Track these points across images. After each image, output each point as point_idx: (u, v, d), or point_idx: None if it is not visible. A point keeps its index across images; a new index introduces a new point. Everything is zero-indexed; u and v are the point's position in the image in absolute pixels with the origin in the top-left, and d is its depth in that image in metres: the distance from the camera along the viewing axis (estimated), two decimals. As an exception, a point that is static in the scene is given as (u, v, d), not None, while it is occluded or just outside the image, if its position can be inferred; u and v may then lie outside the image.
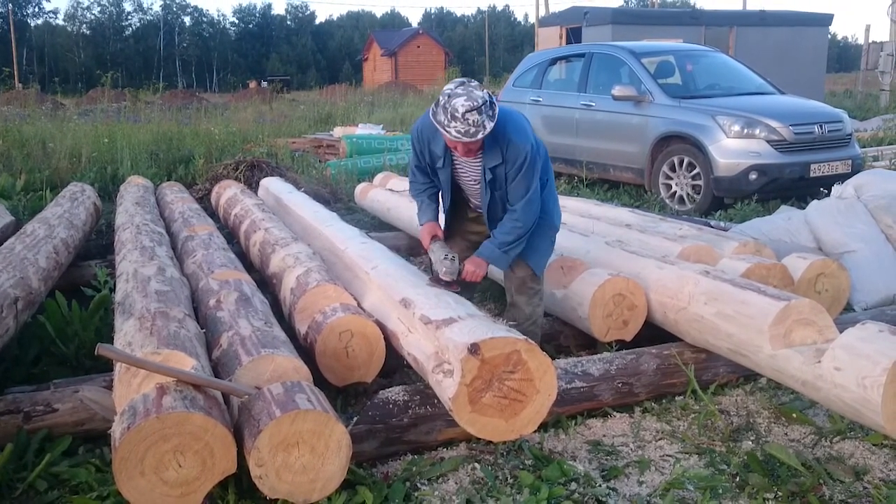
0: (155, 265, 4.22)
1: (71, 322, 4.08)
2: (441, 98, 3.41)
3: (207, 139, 12.30)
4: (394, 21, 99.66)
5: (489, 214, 3.78)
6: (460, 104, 3.31)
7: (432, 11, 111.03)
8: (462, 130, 3.34)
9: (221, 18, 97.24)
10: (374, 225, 7.56)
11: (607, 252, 4.57)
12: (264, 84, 50.21)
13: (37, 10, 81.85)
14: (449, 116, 3.34)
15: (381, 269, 4.04)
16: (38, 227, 5.16)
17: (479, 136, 3.37)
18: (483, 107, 3.32)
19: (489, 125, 3.37)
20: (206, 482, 2.49)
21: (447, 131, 3.38)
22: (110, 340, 4.06)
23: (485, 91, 3.41)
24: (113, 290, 4.42)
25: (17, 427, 3.12)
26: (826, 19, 20.40)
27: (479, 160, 3.66)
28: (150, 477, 2.42)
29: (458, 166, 3.79)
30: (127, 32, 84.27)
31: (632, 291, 4.00)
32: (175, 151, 11.60)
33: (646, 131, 8.66)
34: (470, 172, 3.77)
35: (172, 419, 2.42)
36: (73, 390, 3.29)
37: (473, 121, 3.32)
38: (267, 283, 4.79)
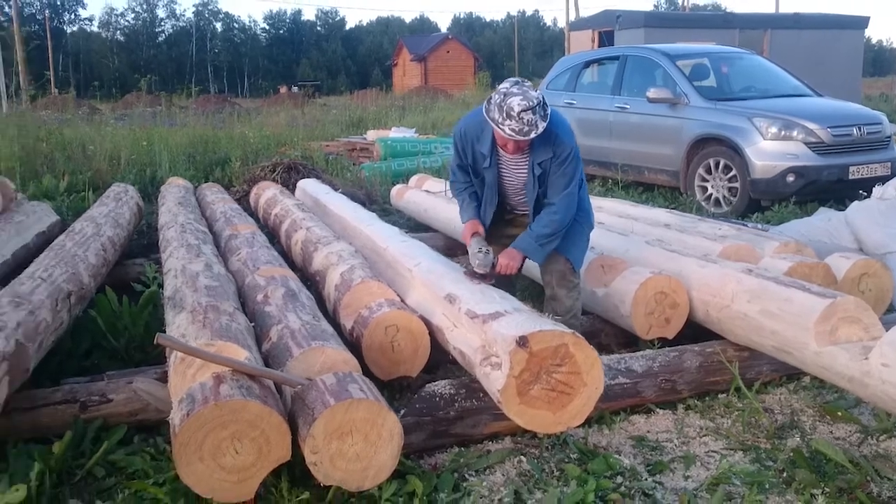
0: (202, 262, 4.30)
1: (121, 317, 4.17)
2: (496, 96, 3.49)
3: (242, 142, 12.48)
4: (423, 26, 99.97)
5: (534, 210, 3.84)
6: (516, 103, 3.39)
7: (461, 16, 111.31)
8: (516, 129, 3.42)
9: (252, 24, 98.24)
10: (410, 226, 7.61)
11: (647, 251, 4.58)
12: (295, 89, 50.63)
13: (72, 17, 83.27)
14: (504, 115, 3.42)
15: (423, 267, 4.09)
16: (87, 226, 5.28)
17: (532, 135, 3.46)
18: (537, 107, 3.42)
19: (542, 125, 3.46)
20: (261, 469, 2.55)
21: (501, 129, 3.46)
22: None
23: (538, 92, 3.49)
24: (161, 286, 4.52)
25: (75, 416, 3.20)
26: (862, 22, 20.18)
27: (525, 157, 3.74)
28: (208, 462, 2.48)
29: (501, 166, 3.85)
30: (160, 39, 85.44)
31: (674, 289, 4.01)
32: (211, 154, 11.79)
33: (681, 133, 8.64)
34: (514, 171, 3.83)
35: (230, 407, 2.48)
36: (127, 381, 3.36)
37: (528, 120, 3.41)
38: (309, 281, 4.86)
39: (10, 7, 39.53)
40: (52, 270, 4.03)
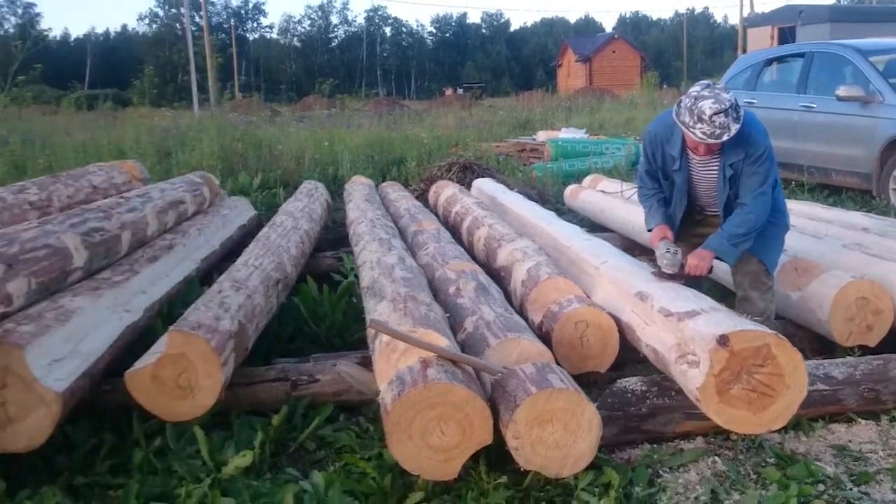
0: (395, 255, 4.53)
1: (321, 304, 4.46)
2: (686, 100, 3.48)
3: (417, 143, 12.90)
4: (588, 26, 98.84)
5: (725, 212, 3.79)
6: (708, 106, 3.36)
7: (627, 16, 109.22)
8: (708, 132, 3.40)
9: (420, 28, 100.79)
10: (584, 226, 7.60)
11: (845, 255, 4.39)
12: (460, 91, 51.53)
13: (255, 25, 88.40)
14: (695, 118, 3.41)
15: (611, 264, 4.12)
16: (286, 219, 5.68)
17: (724, 138, 3.42)
18: (730, 109, 3.38)
19: (734, 128, 3.42)
20: (465, 450, 2.68)
21: (692, 132, 3.44)
22: (356, 322, 4.44)
23: (731, 93, 3.45)
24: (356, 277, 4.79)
25: (287, 393, 3.46)
26: None
27: (716, 158, 3.70)
28: (416, 441, 2.64)
29: (691, 167, 3.82)
30: (333, 44, 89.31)
31: (876, 295, 3.83)
32: (387, 154, 12.27)
33: (874, 134, 8.14)
34: (704, 172, 3.80)
35: (437, 389, 2.63)
36: (332, 364, 3.60)
37: (720, 123, 3.38)
38: (493, 276, 4.98)
39: (200, 17, 42.56)
40: (262, 259, 4.37)
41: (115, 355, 3.38)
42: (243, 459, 2.92)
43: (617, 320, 3.70)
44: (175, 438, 3.11)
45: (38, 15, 77.32)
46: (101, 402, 3.30)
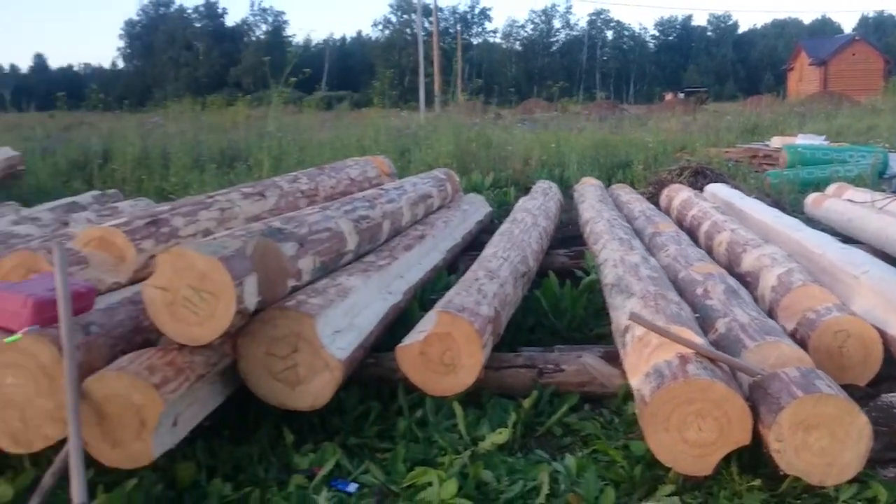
0: (637, 254, 4.57)
1: (562, 299, 4.58)
2: None
3: (641, 146, 12.75)
4: (824, 28, 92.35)
5: None
6: None
7: (870, 16, 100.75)
8: None
9: (642, 31, 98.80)
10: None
11: None
12: (681, 95, 50.06)
13: (480, 30, 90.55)
14: None
15: (873, 274, 3.93)
16: (525, 216, 5.87)
17: None
18: None
19: None
20: (721, 448, 2.68)
21: None
22: (595, 317, 4.53)
23: None
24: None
25: (533, 380, 3.60)
26: None
27: None
28: (673, 434, 2.68)
29: None
30: (553, 48, 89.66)
31: None
32: (612, 157, 12.23)
33: None
34: None
35: (698, 385, 2.66)
36: (577, 355, 3.71)
37: None
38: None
39: (430, 23, 44.30)
40: (509, 252, 4.57)
41: (380, 332, 3.68)
42: (499, 436, 3.09)
43: (881, 332, 3.53)
44: (434, 411, 3.35)
45: (286, 22, 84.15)
46: (365, 374, 3.61)
